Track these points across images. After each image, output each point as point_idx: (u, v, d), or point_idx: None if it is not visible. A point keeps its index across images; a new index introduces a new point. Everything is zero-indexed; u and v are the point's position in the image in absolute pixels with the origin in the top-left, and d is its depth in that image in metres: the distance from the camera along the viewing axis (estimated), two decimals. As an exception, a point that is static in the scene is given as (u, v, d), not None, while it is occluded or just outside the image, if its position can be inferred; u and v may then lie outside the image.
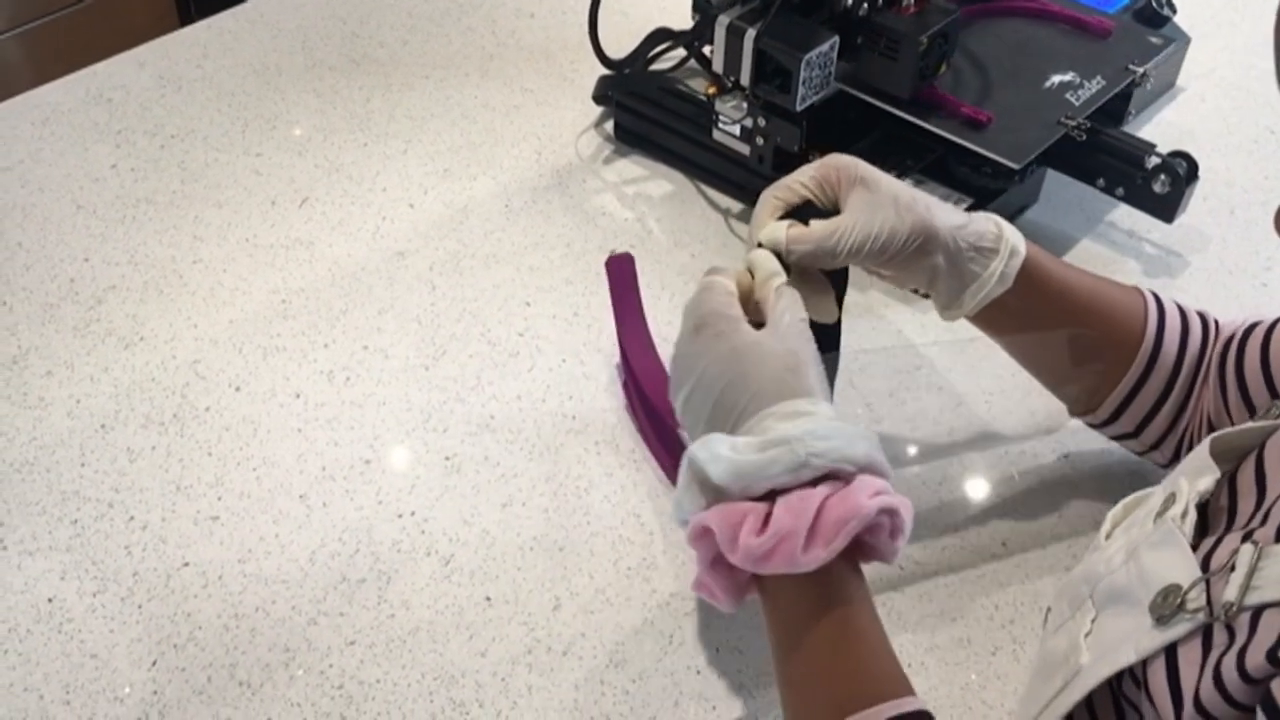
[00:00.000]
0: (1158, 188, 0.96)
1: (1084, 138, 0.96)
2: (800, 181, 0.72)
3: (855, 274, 0.94)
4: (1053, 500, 0.83)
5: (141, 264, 0.99)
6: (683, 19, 1.08)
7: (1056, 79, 1.01)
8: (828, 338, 0.69)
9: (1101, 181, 1.00)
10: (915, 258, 0.70)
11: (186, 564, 0.78)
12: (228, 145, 1.11)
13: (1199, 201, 1.01)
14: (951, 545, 0.80)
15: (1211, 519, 0.59)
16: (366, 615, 0.75)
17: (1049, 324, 0.75)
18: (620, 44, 1.13)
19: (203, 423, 0.86)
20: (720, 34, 0.95)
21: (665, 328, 0.91)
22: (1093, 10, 1.09)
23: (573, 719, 0.70)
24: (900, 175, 0.99)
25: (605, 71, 1.12)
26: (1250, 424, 0.61)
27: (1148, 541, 0.58)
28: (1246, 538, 0.53)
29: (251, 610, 0.75)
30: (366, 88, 1.19)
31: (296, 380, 0.90)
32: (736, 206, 1.06)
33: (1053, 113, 0.97)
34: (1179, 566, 0.55)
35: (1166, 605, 0.54)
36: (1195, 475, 0.59)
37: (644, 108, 1.09)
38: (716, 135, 1.03)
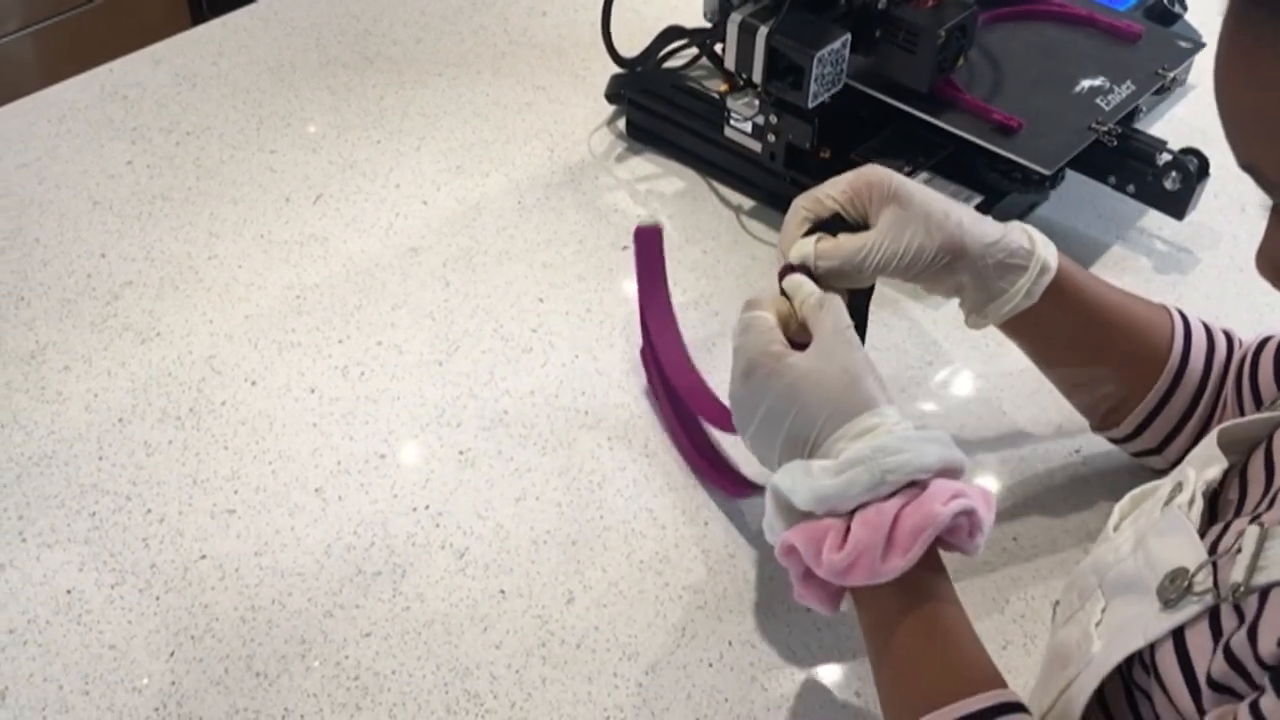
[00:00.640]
0: (1169, 185, 0.96)
1: (1115, 143, 0.96)
2: (831, 195, 0.72)
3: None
4: (1065, 496, 0.83)
5: (157, 260, 1.00)
6: (694, 17, 1.09)
7: (1086, 84, 1.01)
8: None
9: (1112, 179, 1.00)
10: (942, 274, 0.72)
11: (203, 556, 0.78)
12: (242, 142, 1.12)
13: (1210, 198, 1.01)
14: (962, 540, 0.80)
15: (1221, 510, 0.60)
16: (381, 608, 0.76)
17: (1075, 338, 0.76)
18: (633, 42, 1.13)
19: (219, 417, 0.87)
20: (732, 31, 0.96)
21: (680, 330, 0.91)
22: (1111, 11, 1.09)
23: (586, 711, 0.71)
24: (912, 172, 1.00)
25: (618, 69, 1.13)
26: (1258, 415, 0.61)
27: (1155, 529, 0.58)
28: (1254, 521, 0.54)
29: (268, 602, 0.76)
30: (380, 85, 1.20)
31: (311, 375, 0.90)
32: (748, 203, 1.07)
33: (1083, 118, 0.97)
34: (1186, 551, 0.55)
35: (1174, 588, 0.54)
36: (1203, 465, 0.60)
37: (656, 105, 1.10)
38: (728, 132, 1.03)
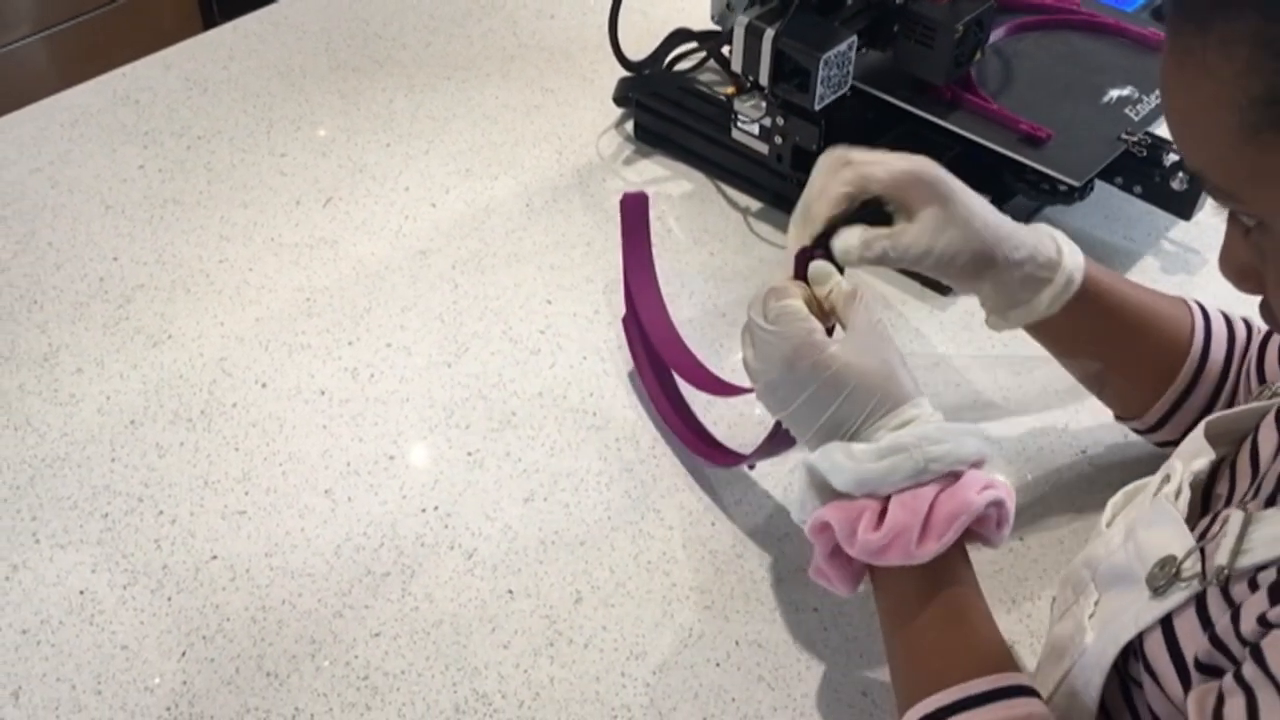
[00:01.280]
0: (1176, 185, 0.96)
1: (1144, 154, 0.96)
2: (879, 179, 0.71)
3: (877, 270, 0.95)
4: (1070, 496, 0.83)
5: (169, 263, 1.01)
6: (702, 19, 1.09)
7: (1115, 94, 1.00)
8: None
9: (1120, 179, 1.00)
10: (966, 277, 0.73)
11: (215, 557, 0.79)
12: (253, 146, 1.13)
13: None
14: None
15: (1213, 503, 0.60)
16: (391, 608, 0.76)
17: (1096, 339, 0.76)
18: (640, 45, 1.14)
19: (230, 419, 0.88)
20: (739, 34, 0.96)
21: (685, 325, 0.92)
22: (1140, 19, 1.09)
23: (593, 711, 0.71)
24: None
25: (625, 72, 1.13)
26: (1244, 406, 0.62)
27: (1143, 520, 0.59)
28: (1239, 508, 0.54)
29: (278, 603, 0.76)
30: (389, 89, 1.20)
31: (321, 377, 0.91)
32: (756, 205, 1.07)
33: (1113, 128, 0.97)
34: (1174, 539, 0.56)
35: (1163, 575, 0.55)
36: (1190, 457, 0.61)
37: (664, 108, 1.10)
38: (735, 135, 1.04)
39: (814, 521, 0.64)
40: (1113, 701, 0.59)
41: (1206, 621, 0.52)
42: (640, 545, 0.80)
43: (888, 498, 0.62)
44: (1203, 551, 0.54)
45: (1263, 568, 0.51)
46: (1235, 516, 0.53)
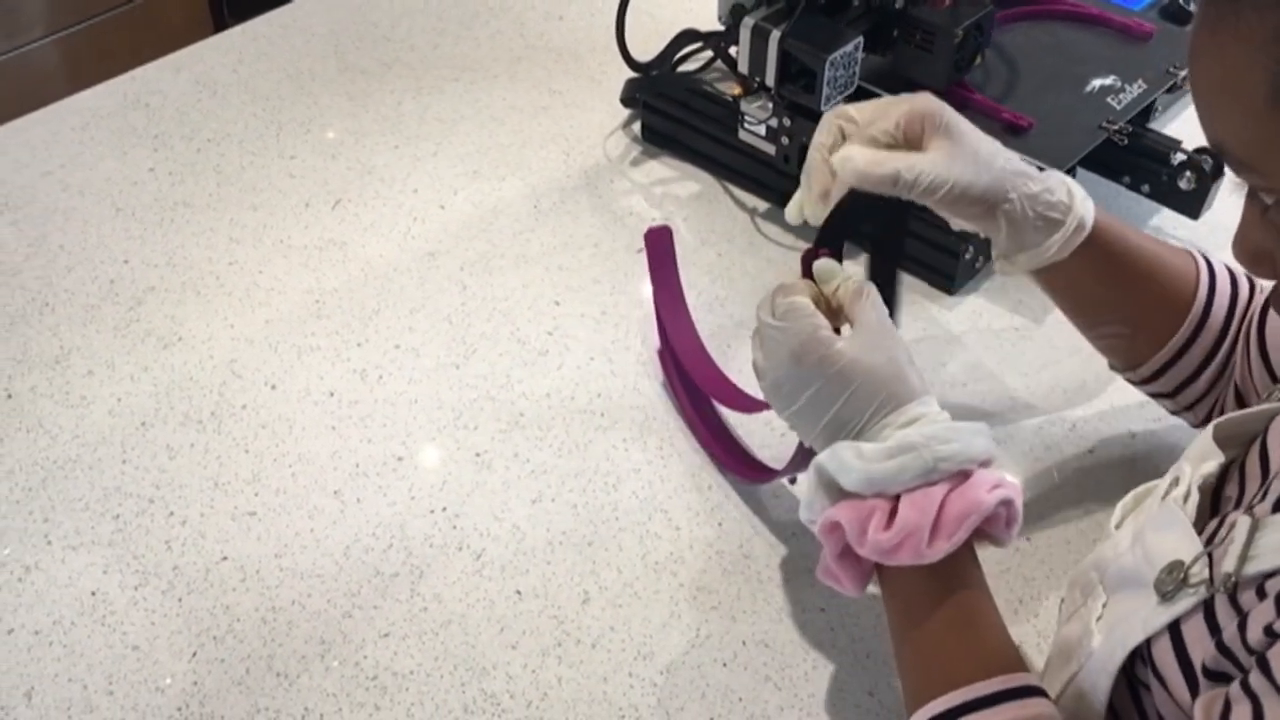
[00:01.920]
0: (1183, 184, 0.96)
1: (1125, 142, 0.96)
2: (886, 130, 0.71)
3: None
4: (1077, 495, 0.83)
5: (179, 265, 1.01)
6: (709, 20, 1.09)
7: (1097, 83, 1.01)
8: None
9: (1127, 178, 1.00)
10: (980, 212, 0.72)
11: (225, 558, 0.79)
12: (262, 148, 1.13)
13: (1224, 198, 1.01)
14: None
15: (1222, 505, 0.60)
16: (400, 608, 0.77)
17: (1101, 288, 0.76)
18: (647, 46, 1.14)
19: (240, 421, 0.88)
20: (745, 35, 0.96)
21: (695, 325, 0.92)
22: (1124, 10, 1.09)
23: (601, 710, 0.72)
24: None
25: (632, 73, 1.14)
26: (1252, 409, 0.62)
27: (1151, 524, 0.59)
28: (1247, 513, 0.54)
29: (288, 603, 0.77)
30: (398, 91, 1.21)
31: (330, 379, 0.91)
32: (763, 206, 1.07)
33: (1094, 117, 0.97)
34: (1182, 543, 0.56)
35: (1170, 580, 0.55)
36: (1199, 460, 0.60)
37: (671, 109, 1.11)
38: (743, 135, 1.04)
39: (824, 521, 0.64)
40: (1121, 704, 0.59)
41: (1214, 628, 0.52)
42: (648, 546, 0.80)
43: (897, 497, 0.62)
44: (1210, 556, 0.54)
45: (1270, 575, 0.51)
46: (1242, 522, 0.53)
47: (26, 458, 0.86)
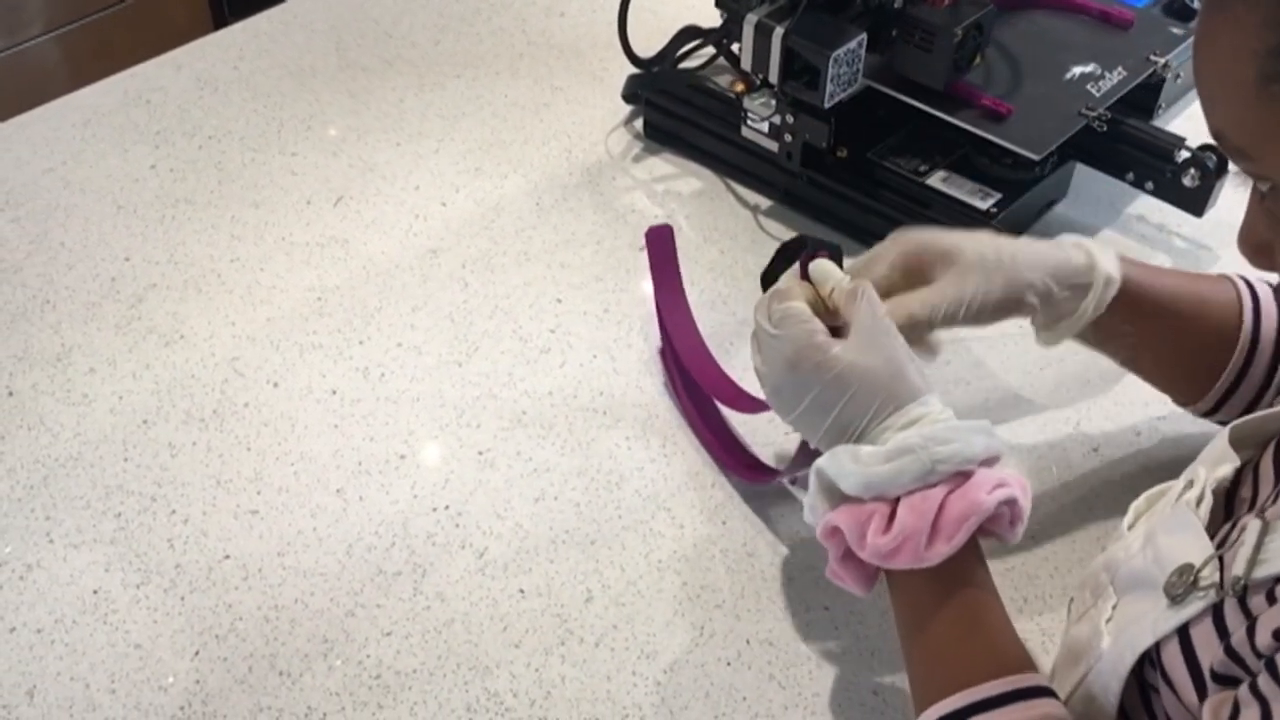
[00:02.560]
0: (1187, 181, 0.96)
1: (1104, 128, 0.96)
2: (884, 275, 0.72)
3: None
4: (1082, 494, 0.83)
5: (181, 263, 1.01)
6: (711, 17, 1.09)
7: (1078, 70, 1.01)
8: None
9: (1131, 175, 1.00)
10: (1010, 307, 0.72)
11: (227, 557, 0.79)
12: (264, 145, 1.13)
13: (1229, 195, 1.01)
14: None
15: (1236, 508, 0.60)
16: (402, 607, 0.77)
17: (1147, 335, 0.76)
18: (650, 42, 1.14)
19: (241, 419, 0.88)
20: (748, 32, 0.96)
21: (697, 325, 0.92)
22: (1115, 1, 1.09)
23: (605, 709, 0.72)
24: (929, 170, 1.00)
25: (635, 70, 1.13)
26: (1269, 411, 0.62)
27: (1163, 526, 0.59)
28: (1259, 515, 0.54)
29: (291, 602, 0.77)
30: (399, 88, 1.20)
31: (332, 377, 0.91)
32: (765, 203, 1.07)
33: (1074, 104, 0.97)
34: (1193, 547, 0.56)
35: (1180, 583, 0.55)
36: (1214, 463, 0.60)
37: (673, 105, 1.10)
38: (745, 132, 1.04)
39: (824, 526, 0.64)
40: (1131, 705, 0.59)
41: (1223, 632, 0.52)
42: (651, 544, 0.80)
43: (897, 500, 0.61)
44: (1221, 560, 0.54)
45: (1277, 578, 0.50)
46: (1253, 526, 0.53)
47: (28, 456, 0.85)
